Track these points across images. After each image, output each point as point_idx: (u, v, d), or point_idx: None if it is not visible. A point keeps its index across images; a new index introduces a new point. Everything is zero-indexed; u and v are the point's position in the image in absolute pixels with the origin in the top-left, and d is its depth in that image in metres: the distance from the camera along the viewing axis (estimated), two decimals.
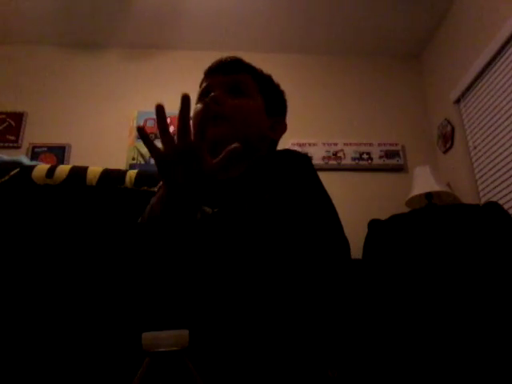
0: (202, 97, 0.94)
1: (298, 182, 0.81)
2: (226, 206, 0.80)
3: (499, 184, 2.26)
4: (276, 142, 1.01)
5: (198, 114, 0.92)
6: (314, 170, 0.86)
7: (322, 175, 0.87)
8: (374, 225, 1.69)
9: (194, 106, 0.96)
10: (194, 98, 1.03)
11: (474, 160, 2.52)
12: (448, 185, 2.65)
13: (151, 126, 2.88)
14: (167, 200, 0.65)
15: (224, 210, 0.79)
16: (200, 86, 0.99)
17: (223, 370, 0.64)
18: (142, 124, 2.88)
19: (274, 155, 0.90)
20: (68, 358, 0.91)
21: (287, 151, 0.89)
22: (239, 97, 0.91)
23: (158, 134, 0.65)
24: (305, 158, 0.87)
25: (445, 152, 2.80)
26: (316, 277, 0.73)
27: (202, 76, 1.01)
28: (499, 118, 2.27)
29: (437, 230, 1.55)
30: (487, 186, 2.37)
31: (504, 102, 2.23)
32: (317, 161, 2.81)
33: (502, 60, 2.26)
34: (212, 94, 0.89)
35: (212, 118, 0.86)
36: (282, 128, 1.00)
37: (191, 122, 0.96)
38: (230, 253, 0.75)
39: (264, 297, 0.70)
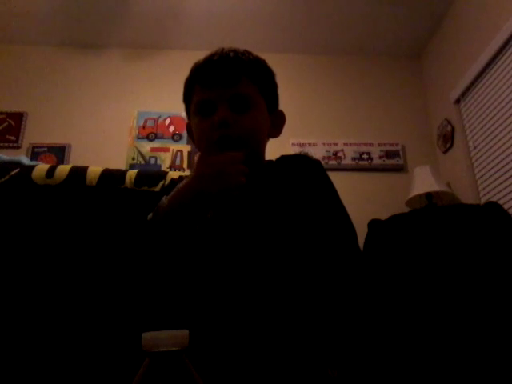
0: (202, 111, 0.87)
1: (313, 188, 0.82)
2: (238, 207, 0.80)
3: (499, 184, 2.26)
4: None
5: (205, 134, 0.86)
6: (326, 175, 0.87)
7: None
8: (374, 225, 1.69)
9: (195, 120, 0.89)
10: (180, 95, 0.97)
11: (473, 160, 2.52)
12: (448, 185, 2.65)
13: (151, 125, 2.88)
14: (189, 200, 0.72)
15: (236, 211, 0.80)
16: (189, 89, 0.91)
17: (223, 370, 0.65)
18: (141, 124, 2.88)
19: (285, 160, 0.90)
20: (68, 358, 0.91)
21: (299, 156, 0.89)
22: (246, 112, 0.85)
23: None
24: (317, 164, 0.87)
25: (445, 152, 2.80)
26: (319, 278, 0.73)
27: None
28: (499, 118, 2.27)
29: (437, 230, 1.54)
30: (487, 186, 2.37)
31: (504, 102, 2.23)
32: None
33: (501, 60, 2.26)
34: (219, 116, 0.82)
35: (223, 142, 0.82)
36: (281, 121, 0.96)
37: (196, 139, 0.89)
38: (231, 253, 0.75)
39: (264, 297, 0.70)
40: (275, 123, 0.94)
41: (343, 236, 0.80)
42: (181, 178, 1.02)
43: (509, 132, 2.19)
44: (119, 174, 1.20)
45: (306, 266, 0.73)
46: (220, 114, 0.82)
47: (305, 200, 0.80)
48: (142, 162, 2.76)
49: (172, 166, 2.75)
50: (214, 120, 0.83)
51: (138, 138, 2.84)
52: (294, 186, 0.82)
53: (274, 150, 0.99)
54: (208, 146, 0.84)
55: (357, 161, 2.86)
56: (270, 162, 0.94)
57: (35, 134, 2.81)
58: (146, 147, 2.82)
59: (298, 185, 0.82)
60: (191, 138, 0.97)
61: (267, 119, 0.91)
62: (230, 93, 0.85)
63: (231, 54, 0.88)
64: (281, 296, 0.70)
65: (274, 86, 0.95)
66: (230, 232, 0.78)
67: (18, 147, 2.77)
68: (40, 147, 2.77)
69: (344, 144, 2.90)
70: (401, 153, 2.90)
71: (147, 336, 0.43)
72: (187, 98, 0.93)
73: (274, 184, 0.84)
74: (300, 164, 0.86)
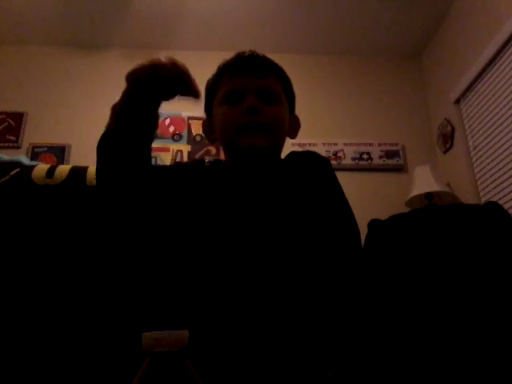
0: (230, 100, 0.89)
1: (324, 187, 0.84)
2: (247, 205, 0.81)
3: (499, 184, 2.26)
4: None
5: (233, 119, 0.87)
6: (335, 174, 0.89)
7: None
8: (373, 225, 1.69)
9: (221, 109, 0.90)
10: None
11: (474, 160, 2.52)
12: (448, 185, 2.65)
13: None
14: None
15: (244, 209, 0.80)
16: (216, 82, 0.94)
17: (223, 370, 0.65)
18: None
19: (296, 157, 0.91)
20: (68, 358, 0.91)
21: (310, 153, 0.91)
22: (273, 104, 0.88)
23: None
24: (327, 162, 0.90)
25: (445, 152, 2.80)
26: (321, 279, 0.73)
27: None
28: (499, 118, 2.27)
29: (437, 230, 1.54)
30: (487, 186, 2.37)
31: (504, 102, 2.23)
32: None
33: (502, 60, 2.26)
34: (249, 103, 0.85)
35: (252, 127, 0.85)
36: (297, 125, 1.00)
37: (221, 126, 0.90)
38: (232, 253, 0.75)
39: (264, 297, 0.70)
40: (292, 126, 0.98)
41: (349, 237, 0.80)
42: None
43: (509, 132, 2.19)
44: None
45: (310, 265, 0.73)
46: (250, 101, 0.86)
47: (315, 199, 0.81)
48: None
49: None
50: (243, 107, 0.86)
51: None
52: (306, 183, 0.83)
53: None
54: (237, 130, 0.86)
55: (357, 161, 2.86)
56: (279, 159, 0.95)
57: (35, 134, 2.81)
58: None
59: (309, 183, 0.83)
60: (207, 137, 1.00)
61: (288, 118, 0.95)
62: (260, 84, 0.88)
63: (260, 53, 0.93)
64: (281, 296, 0.70)
65: (292, 91, 0.99)
66: (233, 230, 0.78)
67: (18, 147, 2.77)
68: (40, 147, 2.77)
69: (344, 144, 2.90)
70: (401, 153, 2.90)
71: (147, 336, 0.43)
72: (212, 91, 0.95)
73: (287, 180, 0.85)
74: (311, 162, 0.88)
